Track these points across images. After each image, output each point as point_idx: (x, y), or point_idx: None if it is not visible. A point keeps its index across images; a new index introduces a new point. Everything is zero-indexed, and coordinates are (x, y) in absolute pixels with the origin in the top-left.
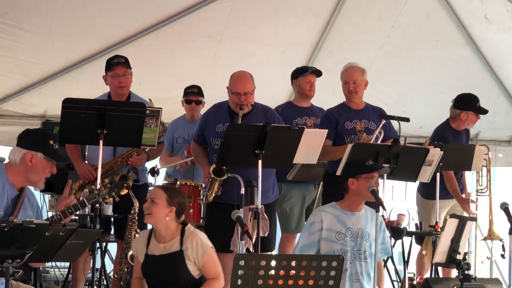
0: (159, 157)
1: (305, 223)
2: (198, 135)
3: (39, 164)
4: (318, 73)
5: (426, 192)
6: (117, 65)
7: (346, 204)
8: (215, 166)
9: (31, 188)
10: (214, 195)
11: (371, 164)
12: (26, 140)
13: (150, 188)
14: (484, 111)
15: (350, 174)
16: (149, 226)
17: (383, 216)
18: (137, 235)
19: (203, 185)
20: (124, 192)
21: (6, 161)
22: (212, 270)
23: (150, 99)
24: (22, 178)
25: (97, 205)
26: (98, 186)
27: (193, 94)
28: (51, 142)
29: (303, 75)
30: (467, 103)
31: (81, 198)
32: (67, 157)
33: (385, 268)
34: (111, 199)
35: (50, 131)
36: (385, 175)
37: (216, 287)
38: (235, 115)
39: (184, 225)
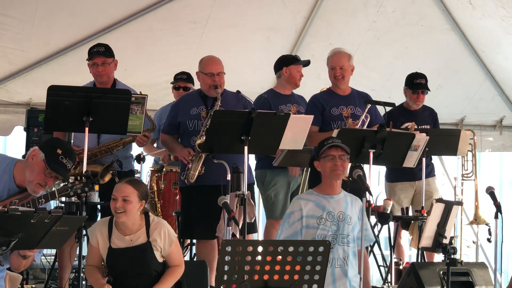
0: None
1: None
2: (170, 125)
3: (36, 164)
4: (308, 65)
5: (388, 175)
6: (95, 55)
7: (322, 188)
8: (202, 140)
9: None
10: (197, 174)
11: (328, 142)
12: (44, 141)
13: (136, 175)
14: (418, 86)
15: (315, 158)
16: None
17: (369, 201)
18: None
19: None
20: (108, 178)
21: None
22: (177, 258)
23: (140, 92)
24: (22, 175)
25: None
26: (71, 180)
27: (181, 80)
28: (59, 151)
29: (296, 63)
30: (406, 80)
31: (53, 189)
32: (66, 176)
33: (372, 253)
34: (97, 186)
35: (65, 142)
36: (371, 159)
37: (180, 273)
38: (207, 98)
39: (147, 214)
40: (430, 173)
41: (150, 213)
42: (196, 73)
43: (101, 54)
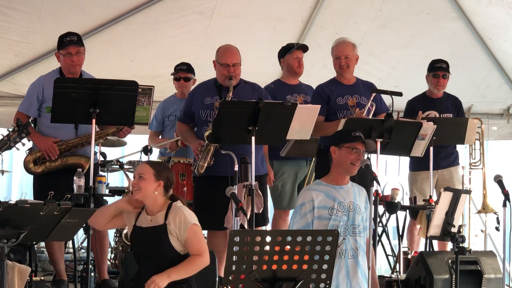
0: (148, 137)
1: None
2: (185, 114)
3: None
4: (304, 48)
5: (410, 165)
6: (69, 44)
7: (331, 178)
8: (210, 131)
9: None
10: (206, 165)
11: (357, 135)
12: None
13: None
14: (439, 69)
15: (334, 142)
16: None
17: (377, 190)
18: None
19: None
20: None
21: None
22: (195, 246)
23: None
24: None
25: (91, 185)
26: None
27: (182, 71)
28: None
29: (290, 52)
30: (428, 66)
31: None
32: None
33: (380, 242)
34: (104, 178)
35: None
36: (378, 149)
37: (199, 263)
38: (222, 89)
39: (173, 201)
40: (454, 161)
41: (178, 200)
42: (213, 61)
43: (74, 43)
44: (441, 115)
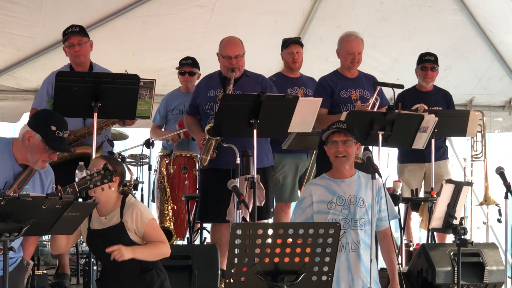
0: (150, 130)
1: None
2: (191, 106)
3: (35, 146)
4: (298, 43)
5: (398, 157)
6: (71, 35)
7: (333, 172)
8: (211, 125)
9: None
10: (209, 158)
11: (332, 127)
12: (32, 118)
13: (145, 160)
14: (427, 62)
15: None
16: None
17: None
18: None
19: (198, 156)
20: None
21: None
22: (155, 237)
23: (126, 70)
24: (22, 155)
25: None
26: (93, 171)
27: (186, 66)
28: (53, 128)
29: (285, 47)
30: (417, 60)
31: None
32: (68, 148)
33: None
34: None
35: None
36: (380, 141)
37: (162, 248)
38: (226, 81)
39: (125, 196)
40: (442, 155)
41: (130, 195)
42: (216, 53)
43: (76, 34)
44: (430, 108)
